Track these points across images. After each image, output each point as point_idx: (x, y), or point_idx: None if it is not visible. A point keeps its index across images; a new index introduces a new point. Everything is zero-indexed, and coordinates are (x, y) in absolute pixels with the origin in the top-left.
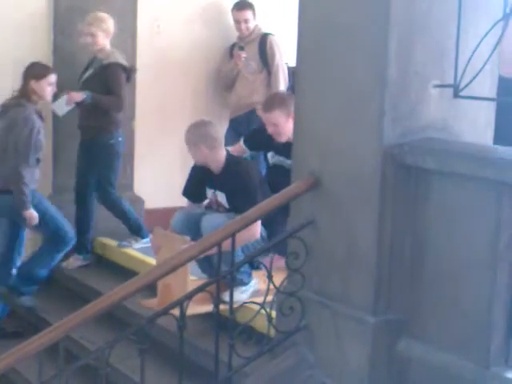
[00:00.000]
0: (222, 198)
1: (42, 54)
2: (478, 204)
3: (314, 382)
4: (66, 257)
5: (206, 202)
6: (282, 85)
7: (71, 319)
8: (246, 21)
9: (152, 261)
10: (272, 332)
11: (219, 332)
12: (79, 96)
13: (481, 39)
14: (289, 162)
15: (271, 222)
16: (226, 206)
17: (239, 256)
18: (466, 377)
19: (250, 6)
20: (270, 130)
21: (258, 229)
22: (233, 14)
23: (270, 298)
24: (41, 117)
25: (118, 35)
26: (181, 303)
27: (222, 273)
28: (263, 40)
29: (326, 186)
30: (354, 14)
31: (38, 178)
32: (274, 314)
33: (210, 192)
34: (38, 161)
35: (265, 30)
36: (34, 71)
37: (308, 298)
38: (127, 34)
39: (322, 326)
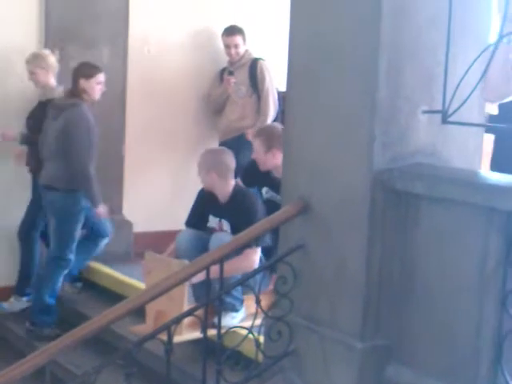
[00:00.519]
0: (227, 226)
1: None
2: (467, 229)
3: None
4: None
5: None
6: (272, 110)
7: (58, 343)
8: (236, 46)
9: (142, 285)
10: (260, 357)
11: (207, 357)
12: (10, 137)
13: (469, 65)
14: (279, 197)
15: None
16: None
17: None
18: None
19: (240, 31)
20: (253, 155)
21: (255, 258)
22: (223, 39)
23: (258, 322)
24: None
25: (109, 58)
26: (168, 327)
27: (212, 296)
28: (253, 65)
29: (315, 211)
30: (344, 38)
31: None
32: (262, 338)
33: (215, 220)
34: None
35: (255, 54)
36: (83, 71)
37: (296, 323)
38: (118, 56)
39: (309, 351)
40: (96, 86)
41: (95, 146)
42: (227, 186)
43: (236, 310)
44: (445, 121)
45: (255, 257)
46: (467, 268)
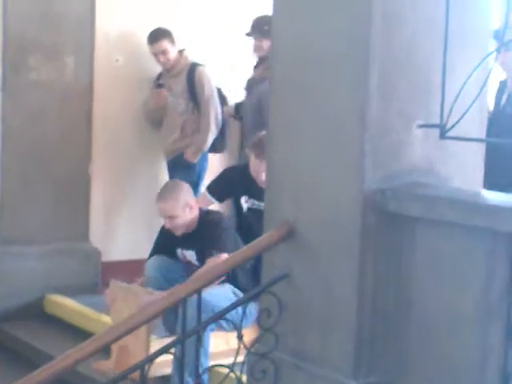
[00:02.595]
0: (190, 256)
1: None
2: (468, 254)
3: None
4: None
5: None
6: (213, 125)
7: None
8: (164, 52)
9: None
10: None
11: None
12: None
13: (469, 75)
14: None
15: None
16: (196, 263)
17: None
18: None
19: (165, 35)
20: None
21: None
22: (149, 48)
23: (240, 359)
24: None
25: (73, 69)
26: (141, 367)
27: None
28: (191, 72)
29: (301, 236)
30: (331, 48)
31: None
32: (244, 377)
33: (178, 251)
34: None
35: (194, 58)
36: None
37: (282, 360)
38: (83, 67)
39: None
40: None
41: None
42: (196, 212)
43: None
44: (443, 136)
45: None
46: (469, 296)
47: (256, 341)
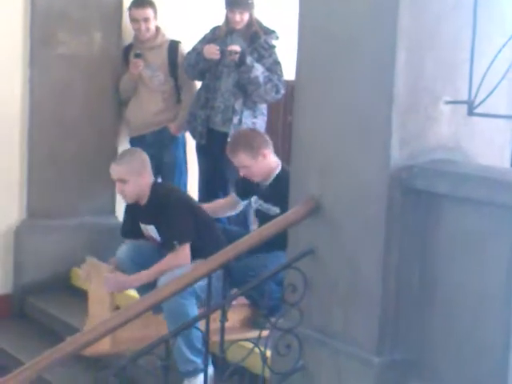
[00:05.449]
0: (152, 231)
1: (17, 65)
2: (494, 231)
3: None
4: None
5: None
6: None
7: (44, 358)
8: (146, 20)
9: (136, 294)
10: (267, 373)
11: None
12: None
13: (498, 51)
14: (266, 206)
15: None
16: (158, 239)
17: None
18: None
19: (151, 4)
20: (241, 172)
21: (187, 253)
22: (131, 12)
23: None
24: None
25: (101, 43)
26: (166, 341)
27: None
28: (172, 48)
29: (326, 212)
30: (359, 25)
31: None
32: (269, 352)
33: (142, 227)
34: None
35: (170, 35)
36: None
37: (306, 336)
38: (111, 41)
39: (321, 367)
40: None
41: None
42: (147, 182)
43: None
44: (471, 112)
45: (186, 252)
46: (495, 274)
47: (281, 316)
